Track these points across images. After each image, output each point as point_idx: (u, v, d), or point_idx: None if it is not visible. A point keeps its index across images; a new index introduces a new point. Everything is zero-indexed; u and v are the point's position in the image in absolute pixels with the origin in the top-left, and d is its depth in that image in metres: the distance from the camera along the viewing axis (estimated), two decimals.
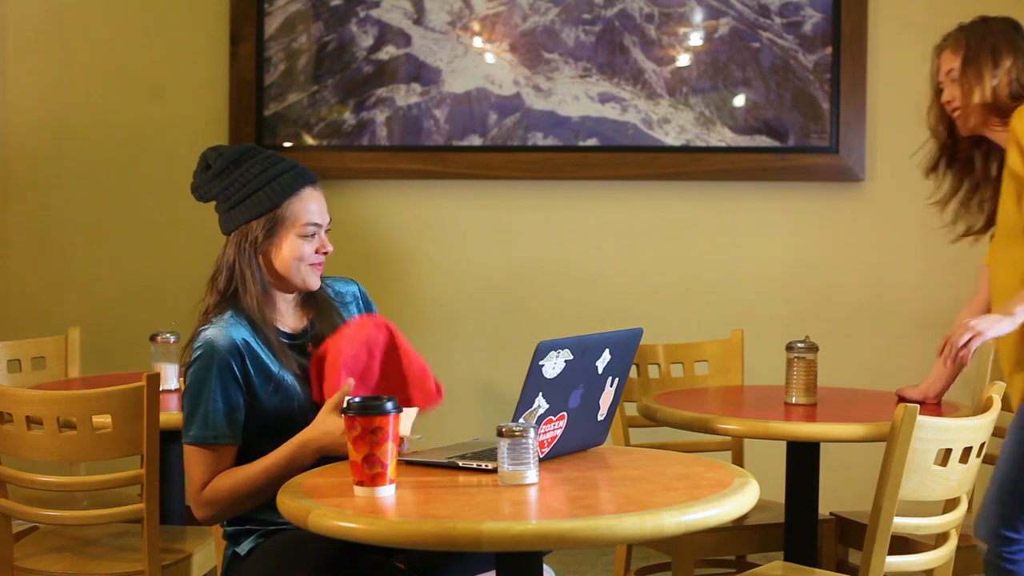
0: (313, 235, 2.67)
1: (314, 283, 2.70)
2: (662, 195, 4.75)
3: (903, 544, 3.05)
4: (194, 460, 2.58)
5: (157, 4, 4.89)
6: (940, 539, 2.74)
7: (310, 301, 2.75)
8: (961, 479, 2.66)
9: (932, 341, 4.66)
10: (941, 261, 4.67)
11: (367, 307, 2.85)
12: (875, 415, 3.08)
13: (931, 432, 2.54)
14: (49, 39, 4.90)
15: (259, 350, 2.61)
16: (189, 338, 2.65)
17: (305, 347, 2.70)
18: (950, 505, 2.72)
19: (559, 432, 2.47)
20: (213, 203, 2.73)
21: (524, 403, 2.37)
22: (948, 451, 2.59)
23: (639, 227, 4.78)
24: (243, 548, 2.63)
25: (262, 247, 2.65)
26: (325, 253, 2.70)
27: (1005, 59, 3.05)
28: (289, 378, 2.63)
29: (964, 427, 2.62)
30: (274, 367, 2.62)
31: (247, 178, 2.65)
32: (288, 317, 2.71)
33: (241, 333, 2.60)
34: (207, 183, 2.69)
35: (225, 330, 2.59)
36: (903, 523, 2.59)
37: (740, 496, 2.23)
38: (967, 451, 2.63)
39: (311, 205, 2.67)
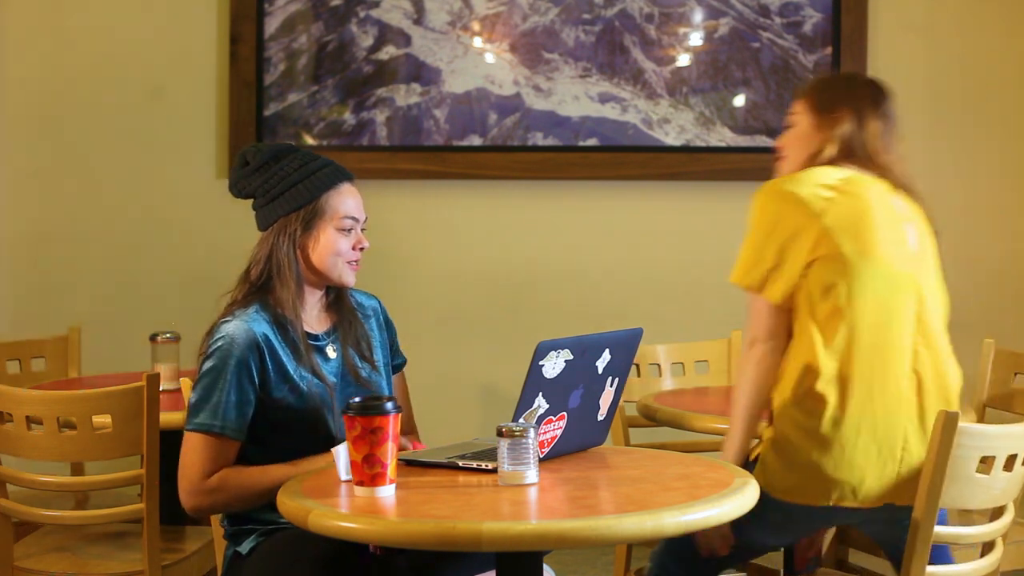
0: (350, 230, 2.69)
1: (349, 279, 2.71)
2: (662, 195, 4.75)
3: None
4: (196, 447, 2.57)
5: (157, 4, 4.89)
6: (986, 548, 2.72)
7: (335, 306, 2.77)
8: (1005, 487, 2.61)
9: None
10: (941, 261, 4.67)
11: (386, 323, 2.87)
12: None
13: (973, 439, 2.50)
14: (49, 39, 4.90)
15: (279, 347, 2.61)
16: (208, 329, 2.64)
17: (325, 350, 2.70)
18: (996, 513, 2.70)
19: (559, 432, 2.47)
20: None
21: (524, 403, 2.37)
22: (991, 459, 2.56)
23: (639, 227, 4.78)
24: (244, 547, 2.63)
25: (300, 240, 2.66)
26: (362, 249, 2.72)
27: None
28: (306, 377, 2.63)
29: (1009, 434, 2.57)
30: (291, 366, 2.62)
31: (286, 172, 2.67)
32: (312, 318, 2.72)
33: (263, 328, 2.60)
34: (246, 178, 2.71)
35: (247, 324, 2.59)
36: (944, 532, 2.56)
37: (740, 496, 2.23)
38: (1011, 459, 2.59)
39: (348, 200, 2.70)
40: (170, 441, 3.45)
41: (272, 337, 2.61)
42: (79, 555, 3.19)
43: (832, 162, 2.74)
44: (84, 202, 4.90)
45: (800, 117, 2.83)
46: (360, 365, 2.73)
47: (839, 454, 2.59)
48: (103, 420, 2.94)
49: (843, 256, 2.62)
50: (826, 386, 2.60)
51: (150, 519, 2.95)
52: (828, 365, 2.60)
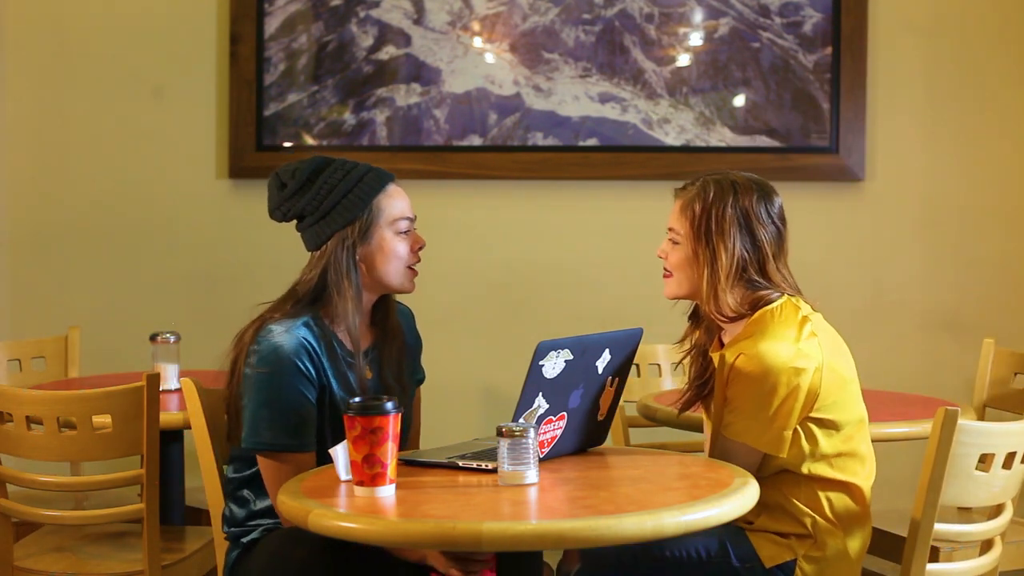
0: (407, 231, 2.67)
1: (409, 286, 2.69)
2: (662, 195, 4.71)
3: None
4: (274, 470, 2.53)
5: (157, 4, 4.89)
6: (984, 546, 2.72)
7: (380, 323, 2.73)
8: (1005, 485, 2.62)
9: (932, 341, 4.69)
10: (941, 261, 4.68)
11: (415, 337, 2.85)
12: (874, 415, 3.06)
13: (973, 436, 2.51)
14: (49, 39, 4.90)
15: (327, 366, 2.58)
16: (250, 335, 2.59)
17: (362, 367, 2.66)
18: (995, 511, 2.70)
19: (559, 432, 2.47)
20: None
21: (524, 403, 2.37)
22: (991, 456, 2.57)
23: (639, 227, 4.76)
24: (246, 540, 2.62)
25: (361, 251, 2.62)
26: (420, 248, 2.69)
27: None
28: (340, 393, 2.61)
29: (1008, 431, 2.58)
30: (336, 384, 2.59)
31: (331, 185, 2.62)
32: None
33: (312, 342, 2.56)
34: (288, 200, 2.64)
35: (297, 332, 2.55)
36: (944, 530, 2.57)
37: (740, 496, 2.23)
38: (1011, 456, 2.59)
39: (398, 201, 2.67)
40: (169, 441, 3.47)
41: (321, 354, 2.58)
42: (79, 555, 3.19)
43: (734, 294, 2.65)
44: (84, 202, 4.90)
45: (682, 239, 2.71)
46: (393, 385, 2.71)
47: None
48: (103, 420, 2.94)
49: (833, 404, 2.63)
50: (854, 504, 2.62)
51: (150, 519, 2.95)
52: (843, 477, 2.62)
